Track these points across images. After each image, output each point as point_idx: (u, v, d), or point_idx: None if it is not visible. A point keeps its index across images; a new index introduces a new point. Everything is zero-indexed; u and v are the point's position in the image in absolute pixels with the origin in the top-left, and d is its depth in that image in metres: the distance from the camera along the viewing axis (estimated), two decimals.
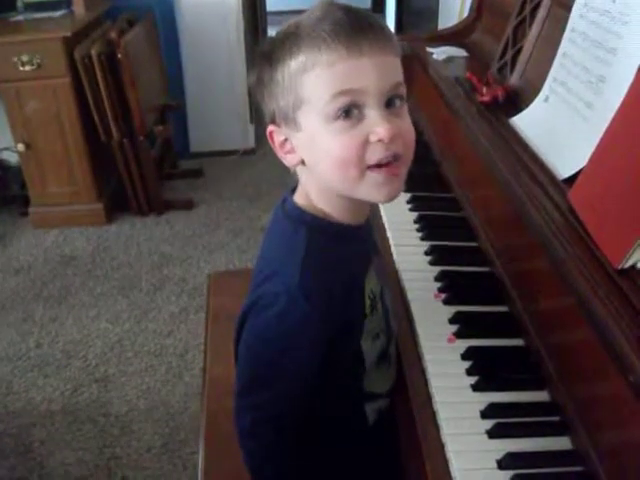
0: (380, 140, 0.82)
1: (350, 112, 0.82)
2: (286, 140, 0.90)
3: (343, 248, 0.94)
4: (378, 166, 0.84)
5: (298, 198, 0.96)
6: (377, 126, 0.82)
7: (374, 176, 0.85)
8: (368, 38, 0.82)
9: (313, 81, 0.82)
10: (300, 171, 0.94)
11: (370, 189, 0.87)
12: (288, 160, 0.92)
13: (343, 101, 0.82)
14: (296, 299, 0.88)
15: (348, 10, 0.84)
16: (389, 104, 0.84)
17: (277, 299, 0.89)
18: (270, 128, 0.91)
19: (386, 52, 0.84)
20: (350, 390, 1.04)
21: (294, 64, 0.83)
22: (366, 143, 0.83)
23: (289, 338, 0.91)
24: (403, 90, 0.86)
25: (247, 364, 0.98)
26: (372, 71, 0.82)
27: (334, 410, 1.03)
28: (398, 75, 0.86)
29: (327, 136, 0.84)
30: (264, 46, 0.89)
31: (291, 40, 0.84)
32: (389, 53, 0.84)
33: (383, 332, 1.03)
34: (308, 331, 0.91)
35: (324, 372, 0.94)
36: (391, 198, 0.90)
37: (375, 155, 0.84)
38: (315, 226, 0.92)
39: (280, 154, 0.93)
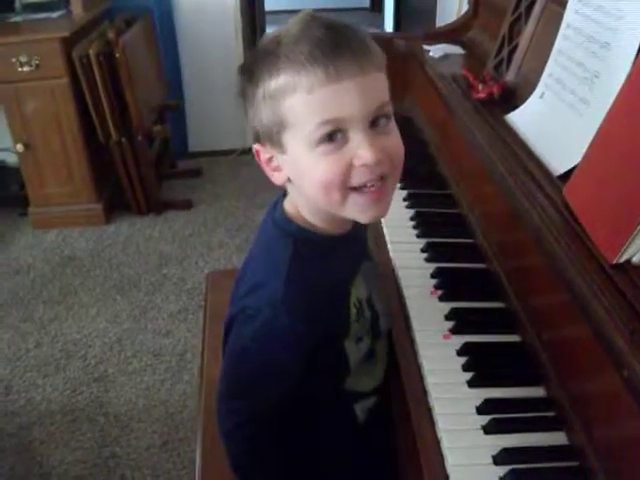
0: (364, 165, 0.81)
1: (334, 136, 0.80)
2: (272, 158, 0.89)
3: (328, 258, 0.94)
4: (361, 189, 0.83)
5: (287, 205, 0.95)
6: (362, 149, 0.80)
7: (357, 199, 0.84)
8: (346, 59, 0.78)
9: (294, 106, 0.80)
10: (289, 186, 0.93)
11: (354, 211, 0.86)
12: (275, 178, 0.91)
13: (326, 129, 0.80)
14: (278, 314, 0.88)
15: (327, 27, 0.81)
16: (374, 124, 0.82)
17: (260, 312, 0.90)
18: (256, 147, 0.90)
19: (366, 71, 0.80)
20: (334, 390, 1.04)
21: (274, 85, 0.81)
22: (350, 166, 0.81)
23: (271, 350, 0.93)
24: (389, 109, 0.84)
25: (230, 370, 1.00)
26: (354, 96, 0.79)
27: (321, 411, 1.03)
28: (382, 94, 0.83)
29: (310, 160, 0.82)
30: (246, 59, 0.88)
31: (271, 60, 0.81)
32: (371, 71, 0.81)
33: (368, 335, 1.03)
34: (290, 344, 0.92)
35: (306, 375, 0.94)
36: (376, 219, 0.90)
37: (359, 179, 0.82)
38: (301, 237, 0.92)
39: (267, 172, 0.92)
